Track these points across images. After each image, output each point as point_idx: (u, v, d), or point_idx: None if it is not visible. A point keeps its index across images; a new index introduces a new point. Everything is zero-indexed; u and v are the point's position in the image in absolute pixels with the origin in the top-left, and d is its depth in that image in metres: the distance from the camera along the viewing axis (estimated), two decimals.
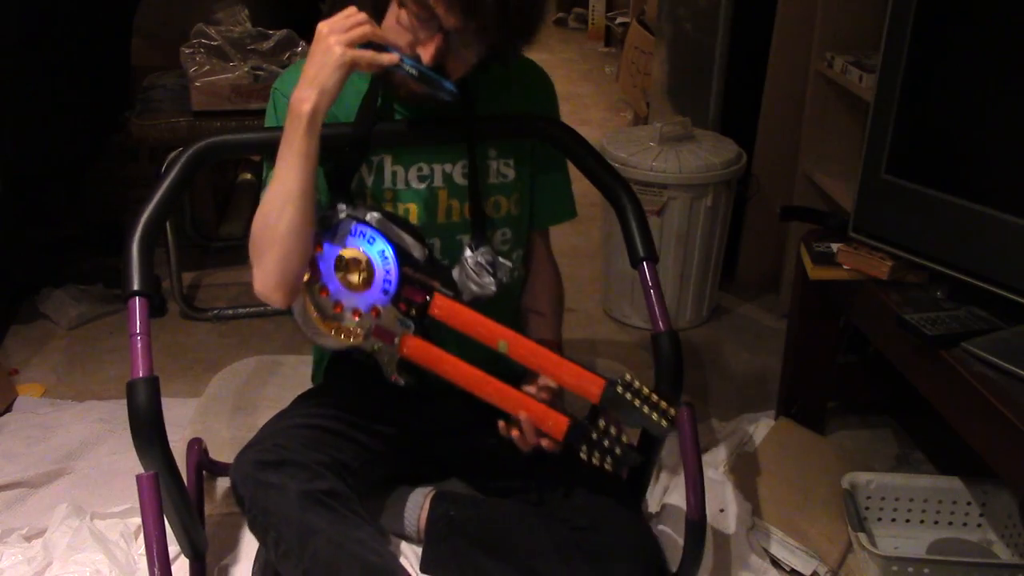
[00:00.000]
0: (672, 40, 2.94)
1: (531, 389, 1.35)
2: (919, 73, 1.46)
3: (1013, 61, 1.35)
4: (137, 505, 1.60)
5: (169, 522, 1.27)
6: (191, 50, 2.36)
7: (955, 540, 1.66)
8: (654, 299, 1.39)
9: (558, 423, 1.31)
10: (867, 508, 1.67)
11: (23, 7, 2.29)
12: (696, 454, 1.36)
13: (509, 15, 1.21)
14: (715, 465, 1.82)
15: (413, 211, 1.41)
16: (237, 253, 2.84)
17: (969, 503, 1.66)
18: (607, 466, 1.31)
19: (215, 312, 2.45)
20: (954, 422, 1.39)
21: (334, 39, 1.20)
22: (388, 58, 1.22)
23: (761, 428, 1.95)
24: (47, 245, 2.61)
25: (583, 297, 2.59)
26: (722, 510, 1.67)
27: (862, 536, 1.51)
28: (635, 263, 1.42)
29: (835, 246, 1.65)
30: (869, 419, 2.04)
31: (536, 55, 1.60)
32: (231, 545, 1.60)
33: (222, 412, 1.86)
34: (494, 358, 1.34)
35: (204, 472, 1.71)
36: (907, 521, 1.67)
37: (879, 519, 1.67)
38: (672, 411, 1.29)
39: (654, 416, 1.28)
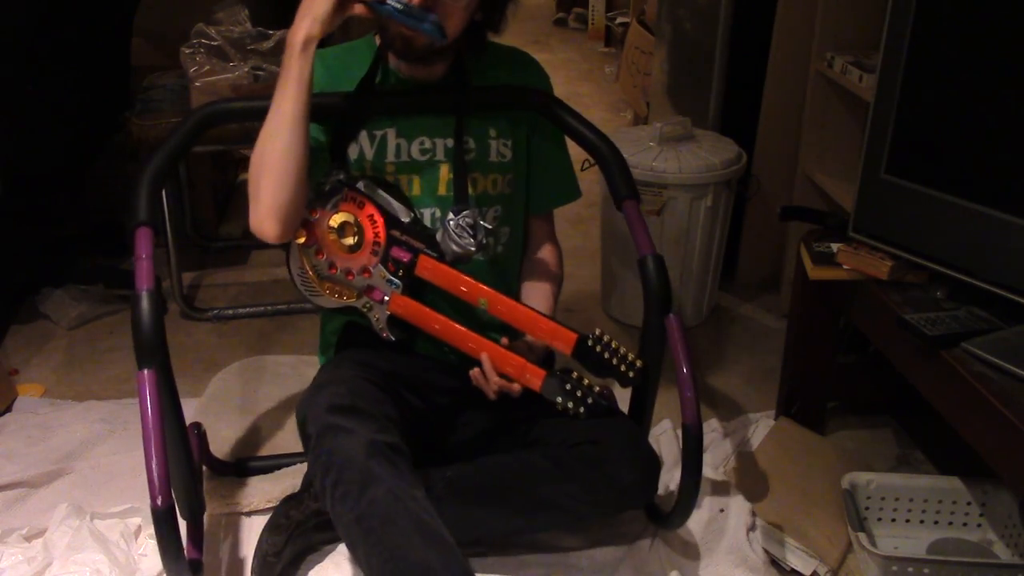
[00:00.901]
0: (672, 40, 2.94)
1: (505, 340, 1.44)
2: (919, 73, 1.46)
3: (1013, 61, 1.35)
4: (137, 505, 1.61)
5: (168, 462, 1.29)
6: (191, 50, 2.36)
7: (955, 540, 1.66)
8: (638, 229, 1.49)
9: (535, 375, 1.42)
10: (867, 508, 1.67)
11: (23, 7, 2.29)
12: (688, 359, 1.42)
13: None
14: (715, 465, 1.82)
15: (416, 183, 1.48)
16: (237, 253, 2.84)
17: (969, 503, 1.66)
18: (580, 414, 1.42)
19: (215, 312, 2.45)
20: (954, 422, 1.39)
21: None
22: None
23: (761, 428, 1.95)
24: (47, 245, 2.60)
25: (583, 297, 2.59)
26: (722, 510, 1.67)
27: (862, 536, 1.51)
28: (618, 202, 1.52)
29: (835, 246, 1.66)
30: (869, 419, 2.04)
31: (536, 55, 1.61)
32: (231, 545, 1.60)
33: (222, 412, 1.86)
34: (481, 323, 1.45)
35: (204, 469, 1.71)
36: (907, 521, 1.67)
37: (879, 519, 1.67)
38: (639, 362, 1.41)
39: (622, 368, 1.41)
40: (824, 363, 1.91)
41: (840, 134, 2.29)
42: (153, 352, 1.30)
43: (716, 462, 1.83)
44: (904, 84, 1.48)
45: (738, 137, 2.46)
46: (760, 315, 2.54)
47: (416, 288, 1.46)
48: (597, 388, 1.43)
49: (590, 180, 1.54)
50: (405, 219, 1.44)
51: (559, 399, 1.41)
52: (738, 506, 1.68)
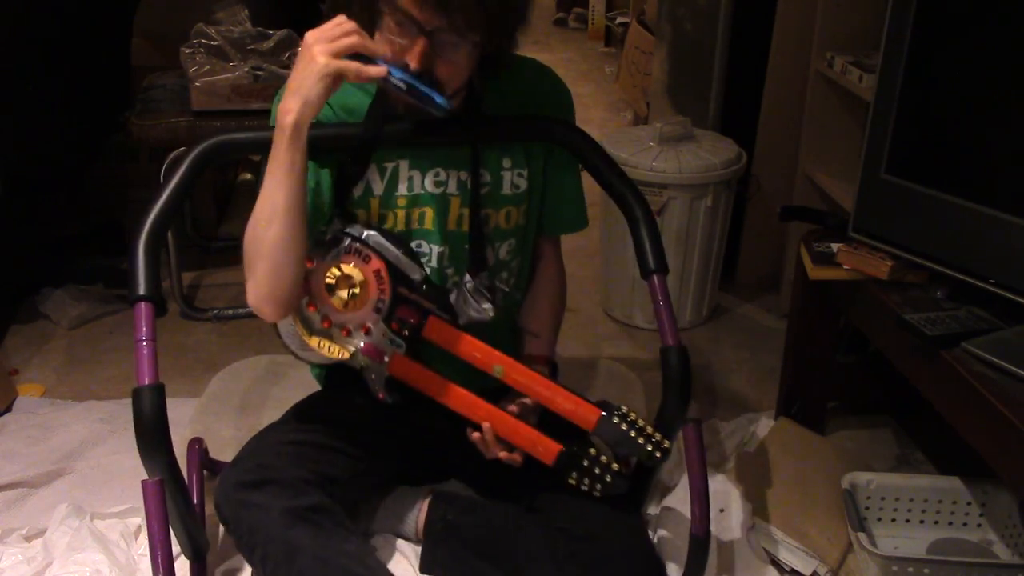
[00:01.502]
0: (672, 40, 2.94)
1: (513, 408, 1.35)
2: (919, 73, 1.46)
3: (1013, 61, 1.35)
4: (137, 505, 1.61)
5: (172, 525, 1.27)
6: (191, 50, 2.36)
7: (955, 540, 1.66)
8: (663, 312, 1.37)
9: (548, 449, 1.31)
10: (867, 508, 1.66)
11: (23, 7, 2.29)
12: (702, 471, 1.36)
13: (486, 5, 1.17)
14: (715, 465, 1.82)
15: (428, 215, 1.38)
16: (237, 253, 2.80)
17: (969, 503, 1.66)
18: (596, 492, 1.32)
19: (215, 312, 2.45)
20: (954, 422, 1.39)
21: (319, 48, 1.15)
22: (375, 71, 1.17)
23: (761, 428, 1.95)
24: (47, 245, 2.60)
25: (583, 297, 2.59)
26: (722, 510, 1.67)
27: (862, 536, 1.51)
28: (645, 275, 1.39)
29: (835, 246, 1.65)
30: (869, 419, 2.03)
31: (536, 55, 1.59)
32: (232, 545, 1.59)
33: (222, 412, 1.85)
34: (485, 380, 1.34)
35: (204, 472, 1.70)
36: (907, 521, 1.67)
37: (879, 519, 1.67)
38: (666, 443, 1.30)
39: (648, 447, 1.29)
40: (824, 363, 1.91)
41: (840, 134, 2.29)
42: (158, 457, 1.22)
43: (716, 462, 1.83)
44: (904, 84, 1.48)
45: (738, 137, 2.46)
46: (760, 315, 2.54)
47: (418, 348, 1.35)
48: (615, 464, 1.32)
49: (589, 180, 1.52)
50: (415, 276, 1.32)
51: (574, 474, 1.32)
52: (738, 506, 1.67)
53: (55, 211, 2.69)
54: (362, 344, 1.32)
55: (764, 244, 2.62)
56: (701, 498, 1.35)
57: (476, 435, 1.33)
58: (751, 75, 2.50)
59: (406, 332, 1.33)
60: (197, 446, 1.67)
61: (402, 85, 1.19)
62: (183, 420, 1.82)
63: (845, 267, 1.63)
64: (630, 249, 1.45)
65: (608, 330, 2.47)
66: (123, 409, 1.98)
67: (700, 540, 1.38)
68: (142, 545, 1.57)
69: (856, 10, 2.17)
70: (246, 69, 2.29)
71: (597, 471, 1.31)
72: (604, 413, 1.30)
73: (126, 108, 2.49)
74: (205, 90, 2.28)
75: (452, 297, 1.35)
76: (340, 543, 1.28)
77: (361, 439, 1.44)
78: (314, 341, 1.32)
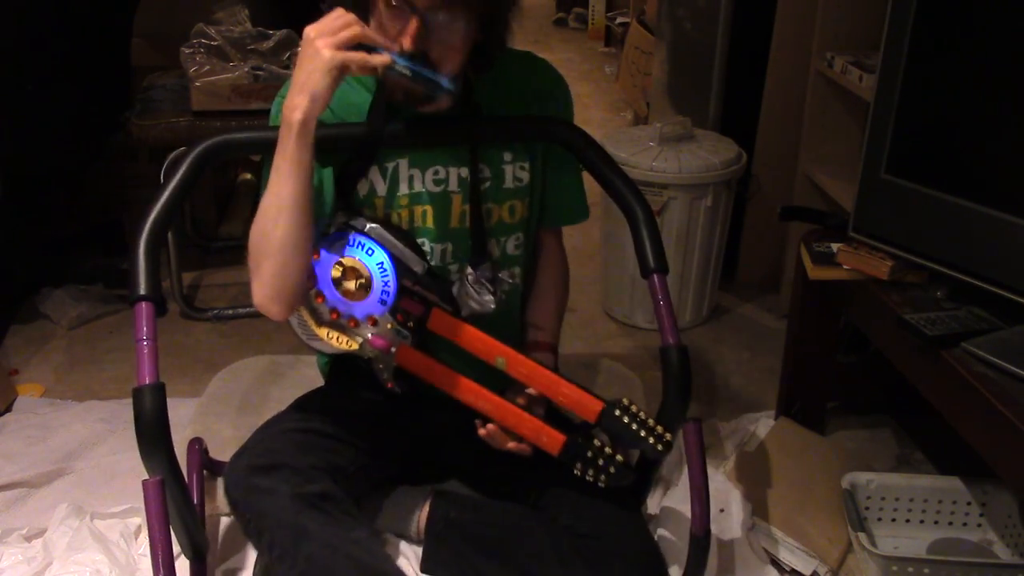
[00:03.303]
0: (672, 40, 2.94)
1: (521, 401, 1.35)
2: (919, 73, 1.46)
3: (1013, 61, 1.35)
4: (137, 505, 1.61)
5: (172, 525, 1.27)
6: (191, 50, 2.36)
7: (955, 540, 1.66)
8: (664, 311, 1.37)
9: (554, 439, 1.32)
10: (867, 508, 1.66)
11: (23, 7, 2.29)
12: (702, 469, 1.36)
13: None
14: (715, 465, 1.82)
15: (430, 214, 1.39)
16: (237, 253, 2.83)
17: (969, 503, 1.66)
18: (601, 483, 1.33)
19: (215, 312, 2.45)
20: (954, 422, 1.39)
21: (322, 42, 1.16)
22: (379, 59, 1.18)
23: (761, 428, 1.95)
24: (47, 245, 2.60)
25: (583, 297, 2.59)
26: (722, 510, 1.67)
27: (862, 536, 1.51)
28: (646, 274, 1.40)
29: (835, 246, 1.65)
30: (869, 419, 2.03)
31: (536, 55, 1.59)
32: (233, 546, 1.60)
33: (222, 412, 1.85)
34: (491, 371, 1.35)
35: (204, 472, 1.70)
36: (907, 521, 1.67)
37: (879, 519, 1.67)
38: (668, 436, 1.31)
39: (650, 440, 1.30)
40: (824, 363, 1.91)
41: (840, 134, 2.29)
42: (159, 456, 1.22)
43: (716, 462, 1.83)
44: (904, 84, 1.48)
45: (738, 137, 2.46)
46: (760, 315, 2.54)
47: (426, 339, 1.36)
48: (619, 456, 1.34)
49: (590, 179, 1.52)
50: (418, 268, 1.34)
51: (579, 465, 1.33)
52: (738, 506, 1.67)
53: (55, 211, 2.70)
54: (369, 335, 1.34)
55: (764, 244, 2.62)
56: (701, 497, 1.35)
57: (483, 431, 1.33)
58: (751, 75, 2.50)
59: (411, 324, 1.34)
60: (197, 446, 1.67)
61: (407, 71, 1.19)
62: (183, 420, 1.82)
63: (845, 267, 1.63)
64: (630, 249, 1.45)
65: (608, 330, 2.47)
66: (123, 409, 1.98)
67: (700, 539, 1.38)
68: (142, 545, 1.57)
69: (856, 10, 2.17)
70: (246, 69, 2.29)
71: (601, 462, 1.32)
72: (607, 405, 1.31)
73: (126, 108, 2.48)
74: (205, 90, 2.28)
75: (454, 289, 1.36)
76: (348, 531, 1.29)
77: (366, 433, 1.44)
78: (323, 332, 1.33)
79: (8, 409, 2.03)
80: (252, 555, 1.53)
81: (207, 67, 2.30)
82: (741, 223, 2.60)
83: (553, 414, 1.39)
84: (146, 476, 1.25)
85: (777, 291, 2.59)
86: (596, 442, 1.33)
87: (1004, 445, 1.26)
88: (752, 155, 2.49)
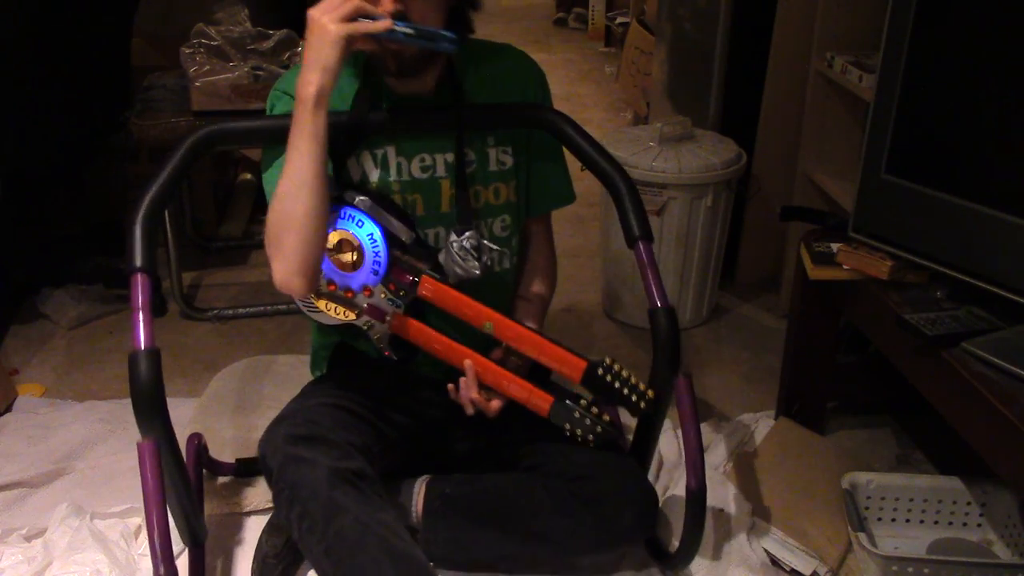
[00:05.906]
0: (672, 40, 2.94)
1: (498, 354, 1.42)
2: (919, 73, 1.46)
3: (1013, 61, 1.35)
4: (137, 505, 1.61)
5: (168, 501, 1.28)
6: (191, 50, 2.36)
7: (955, 540, 1.66)
8: (651, 277, 1.43)
9: (543, 399, 1.39)
10: (867, 508, 1.67)
11: (23, 7, 2.29)
12: (695, 423, 1.39)
13: None
14: (715, 465, 1.82)
15: (419, 201, 1.44)
16: (237, 253, 2.84)
17: (969, 503, 1.66)
18: (589, 442, 1.39)
19: (215, 312, 2.45)
20: (954, 422, 1.39)
21: (327, 18, 1.23)
22: (382, 24, 1.24)
23: (761, 428, 1.95)
24: (47, 245, 2.60)
25: (583, 297, 2.59)
26: (722, 510, 1.67)
27: (862, 536, 1.51)
28: (631, 242, 1.46)
29: (835, 246, 1.65)
30: (869, 419, 2.04)
31: (536, 55, 1.61)
32: (231, 545, 1.60)
33: (222, 412, 1.86)
34: (486, 340, 1.41)
35: (204, 471, 1.71)
36: (907, 521, 1.67)
37: (879, 519, 1.67)
38: (650, 393, 1.36)
39: (633, 397, 1.36)
40: (824, 363, 1.91)
41: (840, 134, 2.29)
42: (153, 420, 1.24)
43: (716, 462, 1.83)
44: (904, 84, 1.48)
45: (738, 137, 2.46)
46: (760, 315, 2.54)
47: (419, 307, 1.42)
48: (606, 416, 1.40)
49: (590, 179, 1.53)
50: (406, 239, 1.40)
51: (567, 425, 1.38)
52: (738, 506, 1.68)
53: (55, 211, 2.70)
54: (365, 305, 1.39)
55: (764, 244, 2.62)
56: (694, 452, 1.38)
57: (451, 386, 1.40)
58: (751, 75, 2.50)
59: (402, 292, 1.40)
60: (196, 441, 1.67)
61: (410, 31, 1.26)
62: (183, 420, 1.82)
63: (845, 267, 1.63)
64: (629, 250, 1.47)
65: (608, 330, 2.47)
66: (123, 409, 1.98)
67: (696, 493, 1.40)
68: (142, 545, 1.57)
69: (856, 10, 2.17)
70: (246, 69, 2.29)
71: (588, 422, 1.38)
72: (590, 364, 1.37)
73: (126, 108, 2.49)
74: (205, 90, 2.28)
75: (441, 256, 1.42)
76: (379, 511, 1.30)
77: (386, 415, 1.48)
78: (322, 303, 1.39)
79: (8, 409, 2.03)
80: (249, 554, 1.53)
81: (207, 67, 2.30)
82: (741, 223, 2.60)
83: (543, 379, 1.45)
84: None
85: (777, 291, 2.59)
86: (583, 402, 1.39)
87: (1004, 445, 1.26)
88: (752, 155, 2.49)
